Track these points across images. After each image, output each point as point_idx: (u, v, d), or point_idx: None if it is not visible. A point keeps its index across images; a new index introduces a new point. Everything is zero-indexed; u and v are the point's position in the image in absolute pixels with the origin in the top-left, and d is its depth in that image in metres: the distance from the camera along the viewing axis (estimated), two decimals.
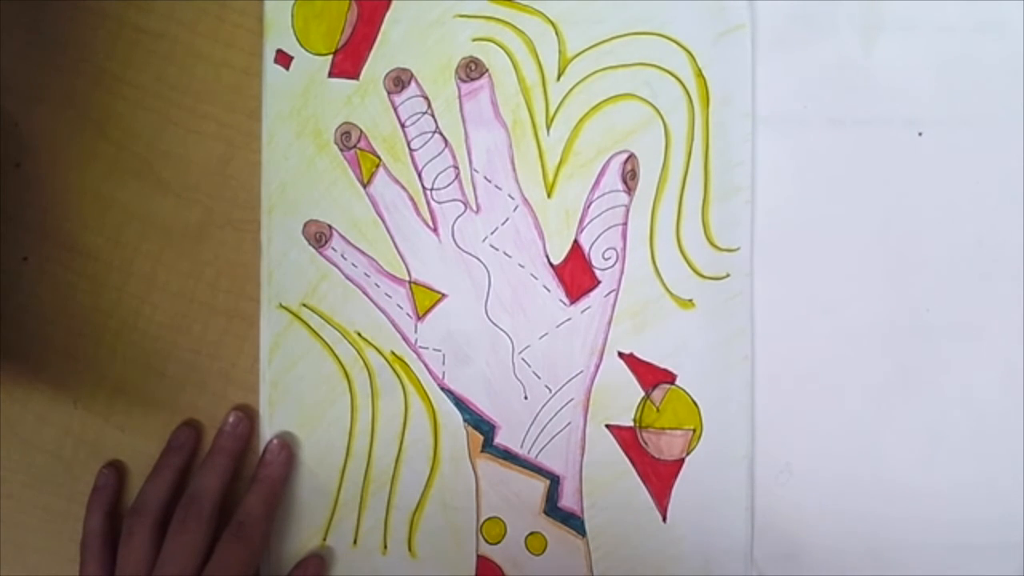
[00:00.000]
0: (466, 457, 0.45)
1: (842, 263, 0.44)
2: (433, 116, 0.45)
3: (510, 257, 0.45)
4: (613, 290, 0.44)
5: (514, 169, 0.45)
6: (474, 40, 0.45)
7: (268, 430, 0.45)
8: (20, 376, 0.47)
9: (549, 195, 0.45)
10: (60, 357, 0.47)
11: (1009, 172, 0.44)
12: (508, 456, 0.45)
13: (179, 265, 0.46)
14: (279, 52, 0.45)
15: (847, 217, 0.44)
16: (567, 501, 0.45)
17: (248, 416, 0.45)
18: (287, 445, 0.45)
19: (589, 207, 0.44)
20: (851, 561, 0.44)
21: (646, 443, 0.44)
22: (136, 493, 0.44)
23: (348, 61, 0.45)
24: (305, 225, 0.45)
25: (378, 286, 0.45)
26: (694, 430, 0.44)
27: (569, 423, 0.45)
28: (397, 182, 0.45)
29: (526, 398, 0.45)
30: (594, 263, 0.44)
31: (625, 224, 0.44)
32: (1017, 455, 0.44)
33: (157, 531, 0.42)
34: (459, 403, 0.45)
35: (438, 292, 0.45)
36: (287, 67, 0.45)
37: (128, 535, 0.42)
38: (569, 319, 0.45)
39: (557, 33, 0.44)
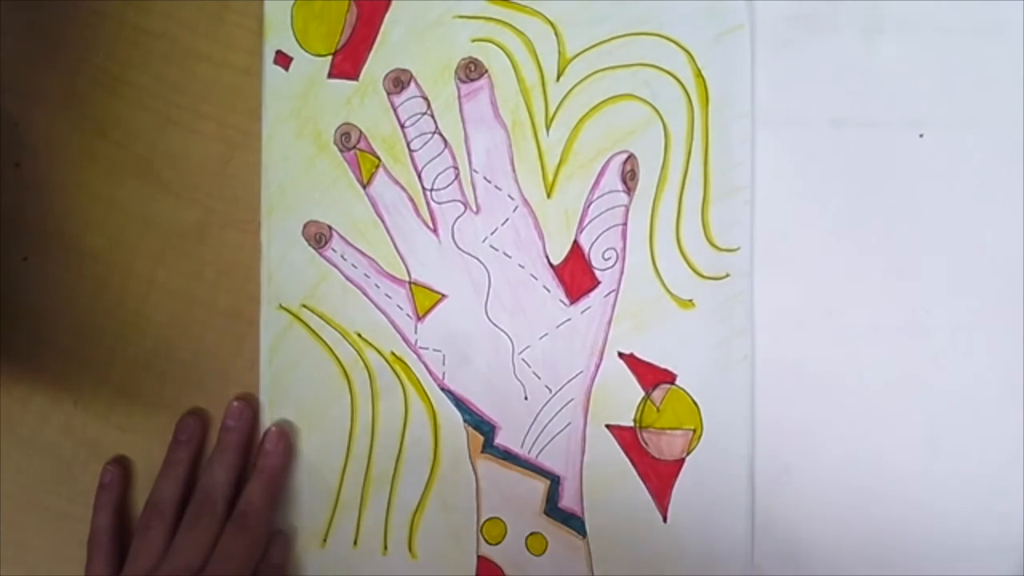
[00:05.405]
0: (466, 457, 0.45)
1: (842, 263, 0.44)
2: (433, 117, 0.45)
3: (510, 257, 0.45)
4: (613, 290, 0.44)
5: (514, 169, 0.45)
6: (473, 41, 0.45)
7: None
8: (20, 376, 0.47)
9: (549, 195, 0.45)
10: (60, 357, 0.47)
11: (1010, 174, 0.44)
12: (508, 456, 0.45)
13: (179, 265, 0.46)
14: (279, 53, 0.45)
15: (847, 218, 0.44)
16: (567, 501, 0.45)
17: (251, 405, 0.45)
18: (286, 434, 0.45)
19: (589, 207, 0.44)
20: (851, 561, 0.44)
21: (646, 443, 0.44)
22: (139, 489, 0.45)
23: (348, 62, 0.45)
24: (305, 226, 0.45)
25: (378, 287, 0.45)
26: (694, 430, 0.44)
27: (569, 423, 0.45)
28: (397, 183, 0.45)
29: (526, 398, 0.45)
30: (594, 263, 0.44)
31: (625, 224, 0.44)
32: (1017, 456, 0.43)
33: (173, 527, 0.43)
34: (459, 403, 0.45)
35: (438, 292, 0.45)
36: (287, 68, 0.45)
37: (145, 528, 0.43)
38: (569, 319, 0.45)
39: (556, 34, 0.44)
